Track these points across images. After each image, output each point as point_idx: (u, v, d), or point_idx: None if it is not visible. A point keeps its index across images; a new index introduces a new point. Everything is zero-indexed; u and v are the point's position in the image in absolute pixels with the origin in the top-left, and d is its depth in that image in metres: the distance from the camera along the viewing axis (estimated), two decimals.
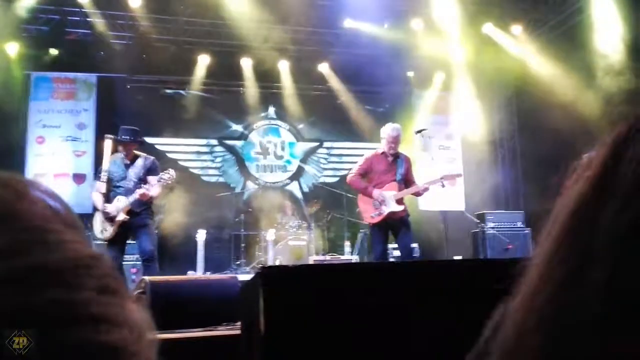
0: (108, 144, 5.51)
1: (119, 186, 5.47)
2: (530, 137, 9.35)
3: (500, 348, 0.42)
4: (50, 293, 0.33)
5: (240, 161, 9.83)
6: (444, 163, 9.18)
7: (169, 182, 5.51)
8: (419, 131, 6.05)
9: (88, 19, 8.66)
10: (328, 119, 10.09)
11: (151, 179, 5.45)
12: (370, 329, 1.72)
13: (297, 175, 10.05)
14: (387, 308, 1.76)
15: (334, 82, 9.88)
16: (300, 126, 10.15)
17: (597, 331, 0.36)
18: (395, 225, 5.65)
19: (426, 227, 7.80)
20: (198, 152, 9.64)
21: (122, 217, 5.32)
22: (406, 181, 5.74)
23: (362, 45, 9.37)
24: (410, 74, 9.93)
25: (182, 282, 3.40)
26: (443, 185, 5.69)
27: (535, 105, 9.33)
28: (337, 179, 9.92)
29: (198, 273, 6.91)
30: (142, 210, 5.45)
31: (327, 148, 10.25)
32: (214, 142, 9.76)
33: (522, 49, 9.25)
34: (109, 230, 5.31)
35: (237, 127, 9.91)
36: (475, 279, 1.92)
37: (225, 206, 8.64)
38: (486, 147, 9.99)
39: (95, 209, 5.53)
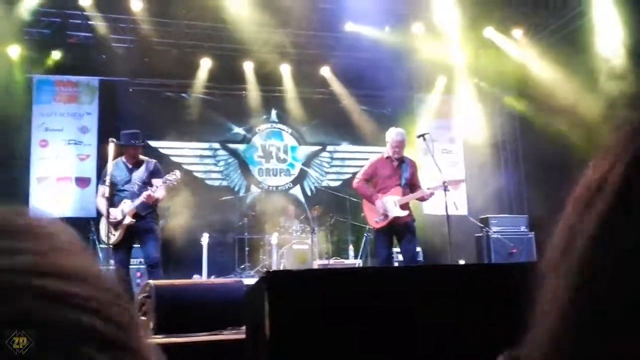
0: (111, 147, 5.52)
1: (124, 190, 5.48)
2: (533, 140, 9.35)
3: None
4: (75, 318, 0.34)
5: (243, 165, 9.84)
6: (446, 167, 9.19)
7: (175, 183, 5.52)
8: (421, 135, 6.05)
9: (90, 22, 8.67)
10: (330, 123, 10.10)
11: (155, 181, 5.46)
12: (374, 333, 1.73)
13: (300, 178, 10.05)
14: (392, 312, 1.77)
15: (336, 86, 9.89)
16: (303, 129, 10.16)
17: (597, 331, 0.37)
18: (400, 230, 5.63)
19: (430, 231, 7.80)
20: (201, 156, 9.65)
21: (128, 220, 5.33)
22: (411, 186, 5.72)
23: (363, 49, 9.38)
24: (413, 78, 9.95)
25: (187, 286, 3.41)
26: (447, 190, 5.68)
27: (537, 109, 9.34)
28: (340, 182, 9.93)
29: (203, 277, 6.91)
30: (148, 214, 5.46)
31: (330, 152, 10.26)
32: (217, 145, 9.77)
33: (523, 53, 9.26)
34: (116, 235, 5.32)
35: (239, 131, 9.93)
36: (479, 283, 1.93)
37: (229, 210, 8.65)
38: (489, 150, 10.00)
39: (99, 213, 5.54)
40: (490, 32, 9.42)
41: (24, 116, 8.61)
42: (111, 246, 5.37)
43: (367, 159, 9.47)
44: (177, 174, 5.49)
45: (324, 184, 9.90)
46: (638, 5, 7.46)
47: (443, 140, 9.94)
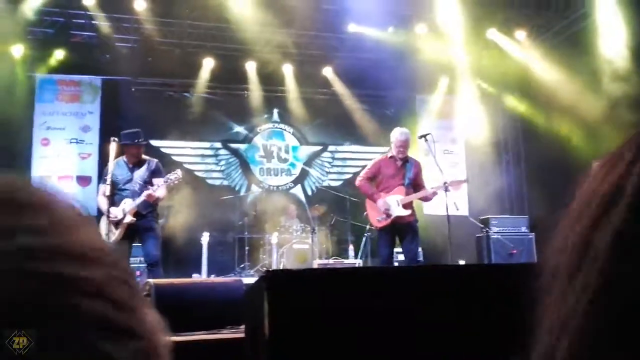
0: (113, 146, 5.53)
1: (125, 189, 5.49)
2: (535, 142, 9.34)
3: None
4: (76, 298, 0.33)
5: (245, 164, 9.85)
6: (447, 168, 9.18)
7: (176, 182, 5.53)
8: (423, 136, 6.05)
9: (93, 22, 8.69)
10: (332, 123, 10.10)
11: (156, 180, 5.47)
12: (374, 333, 1.72)
13: (301, 178, 10.06)
14: (392, 312, 1.77)
15: (338, 86, 9.89)
16: (305, 129, 10.16)
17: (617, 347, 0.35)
18: (402, 229, 5.62)
19: (430, 231, 7.79)
20: (202, 155, 9.66)
21: (128, 219, 5.34)
22: (415, 186, 5.71)
23: (366, 49, 9.38)
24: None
25: (187, 285, 3.40)
26: (447, 190, 5.67)
27: (539, 110, 9.33)
28: (341, 182, 9.94)
29: (203, 276, 6.91)
30: (148, 213, 5.47)
31: (331, 152, 10.27)
32: (218, 145, 9.78)
33: (526, 54, 9.25)
34: (115, 233, 5.33)
35: (241, 131, 9.94)
36: (479, 283, 1.93)
37: (230, 209, 8.65)
38: (490, 151, 9.99)
39: (100, 212, 5.54)
40: (493, 33, 9.41)
41: (26, 115, 8.63)
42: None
43: (368, 159, 9.47)
44: (178, 173, 5.50)
45: (325, 183, 9.90)
46: None
47: (445, 141, 9.94)
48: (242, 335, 2.36)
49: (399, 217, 5.53)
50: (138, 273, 6.82)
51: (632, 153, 0.40)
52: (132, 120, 7.75)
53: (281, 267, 7.05)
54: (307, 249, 7.60)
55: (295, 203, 9.30)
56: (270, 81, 9.65)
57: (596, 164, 0.42)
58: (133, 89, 9.23)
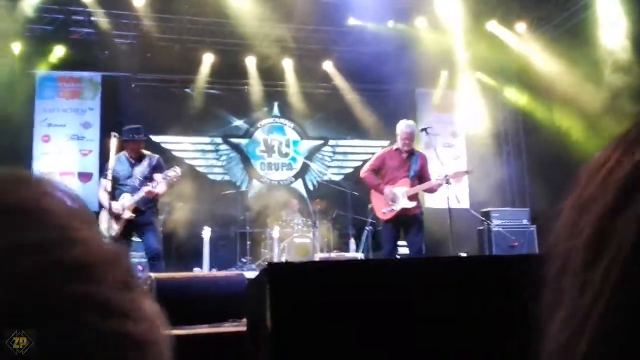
0: (113, 142, 5.53)
1: (125, 184, 5.49)
2: (535, 134, 9.33)
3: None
4: (76, 287, 0.33)
5: (245, 159, 9.85)
6: (448, 161, 9.17)
7: (175, 180, 5.53)
8: (424, 129, 6.05)
9: (92, 18, 8.68)
10: (333, 117, 10.09)
11: (157, 176, 5.47)
12: (376, 325, 1.73)
13: (302, 173, 10.06)
14: (394, 305, 1.77)
15: (338, 80, 9.87)
16: (305, 124, 10.15)
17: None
18: (407, 222, 5.60)
19: (431, 224, 7.78)
20: (203, 151, 9.67)
21: (128, 215, 5.35)
22: (420, 179, 5.68)
23: (366, 43, 9.35)
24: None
25: (189, 279, 3.41)
26: (449, 183, 5.67)
27: (539, 103, 9.31)
28: (342, 176, 9.94)
29: (204, 270, 6.93)
30: (148, 208, 5.48)
31: (332, 146, 10.26)
32: (219, 140, 9.78)
33: (527, 47, 9.22)
34: (115, 229, 5.34)
35: (241, 125, 9.93)
36: (481, 275, 1.93)
37: (231, 204, 8.66)
38: (491, 144, 9.97)
39: (101, 207, 5.55)
40: (493, 25, 9.38)
41: (27, 112, 8.62)
42: (111, 240, 5.38)
43: (369, 153, 9.51)
44: (177, 170, 5.50)
45: (326, 178, 9.90)
46: None
47: (445, 134, 9.92)
48: (243, 328, 2.36)
49: (404, 210, 5.51)
50: (140, 267, 6.84)
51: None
52: (132, 116, 7.75)
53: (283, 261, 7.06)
54: (308, 243, 7.61)
55: (297, 197, 9.30)
56: (270, 76, 9.63)
57: (604, 147, 0.40)
58: (133, 85, 9.22)
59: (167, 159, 6.62)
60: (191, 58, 9.23)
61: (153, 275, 3.04)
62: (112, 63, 9.00)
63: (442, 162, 5.95)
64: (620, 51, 7.56)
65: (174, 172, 5.46)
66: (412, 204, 5.55)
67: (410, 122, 5.82)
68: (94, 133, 8.94)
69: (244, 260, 7.98)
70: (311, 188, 9.96)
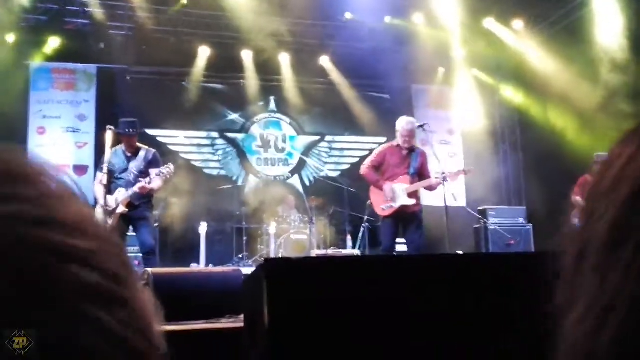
0: (109, 135, 5.51)
1: (120, 178, 5.48)
2: (532, 132, 9.35)
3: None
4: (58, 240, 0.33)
5: (242, 154, 9.82)
6: (445, 158, 9.19)
7: (168, 177, 5.52)
8: (420, 125, 6.04)
9: (87, 9, 8.62)
10: (329, 113, 10.07)
11: (151, 171, 5.46)
12: (373, 321, 1.73)
13: (299, 168, 10.04)
14: (390, 301, 1.77)
15: (335, 76, 9.85)
16: (302, 119, 10.13)
17: None
18: (406, 219, 5.60)
19: (428, 222, 7.80)
20: (199, 145, 9.63)
21: (121, 209, 5.34)
22: (420, 176, 5.68)
23: (363, 38, 9.34)
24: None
25: (185, 275, 3.41)
26: (445, 181, 5.67)
27: (536, 100, 9.33)
28: (338, 172, 9.92)
29: (201, 266, 6.92)
30: (142, 203, 5.47)
31: (329, 142, 10.25)
32: (215, 134, 9.75)
33: (524, 44, 9.23)
34: (109, 223, 5.33)
35: (238, 120, 9.90)
36: (477, 272, 1.93)
37: (227, 199, 8.64)
38: (487, 142, 9.99)
39: (96, 200, 5.54)
40: (490, 22, 9.38)
41: (21, 104, 8.57)
42: None
43: (365, 150, 9.51)
44: (170, 167, 5.49)
45: (323, 174, 9.89)
46: None
47: (442, 132, 9.92)
48: (240, 324, 2.36)
49: (404, 207, 5.51)
50: (136, 262, 6.84)
51: None
52: (128, 109, 7.71)
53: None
54: (305, 239, 7.61)
55: (293, 193, 9.29)
56: (267, 70, 9.60)
57: (619, 141, 0.40)
58: (128, 78, 9.17)
59: (162, 153, 6.60)
60: (187, 51, 9.19)
61: (150, 270, 3.04)
62: (107, 55, 8.95)
63: (439, 159, 5.95)
64: (617, 49, 7.58)
65: (167, 169, 5.45)
66: (412, 202, 5.54)
67: (411, 118, 5.82)
68: (90, 125, 8.90)
69: (240, 256, 7.97)
70: (308, 184, 9.95)
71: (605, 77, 7.56)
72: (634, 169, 0.37)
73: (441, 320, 1.77)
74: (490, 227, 8.03)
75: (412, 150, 5.70)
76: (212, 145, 9.72)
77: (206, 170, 9.56)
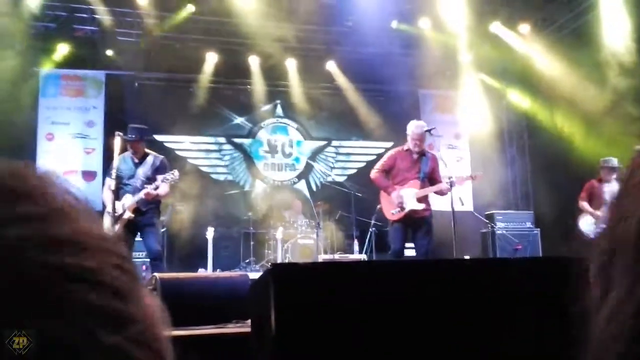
0: (118, 141, 5.54)
1: (128, 184, 5.51)
2: (539, 136, 9.31)
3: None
4: (66, 260, 0.33)
5: (249, 159, 9.85)
6: (452, 163, 9.16)
7: (173, 182, 5.55)
8: (428, 130, 6.03)
9: (95, 16, 8.68)
10: (336, 118, 10.09)
11: (158, 177, 5.48)
12: (380, 326, 1.72)
13: (306, 173, 10.05)
14: (397, 306, 1.77)
15: (341, 80, 9.87)
16: (308, 124, 10.15)
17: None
18: (416, 223, 5.58)
19: (435, 226, 7.77)
20: (207, 150, 9.67)
21: (127, 215, 5.36)
22: (431, 180, 5.65)
23: (369, 43, 9.34)
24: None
25: (193, 279, 3.41)
26: (452, 185, 5.65)
27: (544, 104, 9.29)
28: (345, 177, 9.92)
29: (208, 270, 6.93)
30: (149, 209, 5.48)
31: (335, 147, 10.25)
32: (222, 140, 9.78)
33: (530, 48, 9.20)
34: (116, 230, 5.35)
35: (245, 125, 9.93)
36: (484, 278, 1.93)
37: (234, 204, 8.67)
38: (494, 146, 9.95)
39: (104, 206, 5.57)
40: (497, 26, 9.36)
41: (31, 110, 8.63)
42: None
43: (372, 154, 9.51)
44: (175, 173, 5.50)
45: (329, 179, 9.89)
46: None
47: (449, 136, 9.91)
48: (247, 329, 2.36)
49: (413, 211, 5.49)
50: (144, 267, 6.86)
51: None
52: (136, 115, 7.75)
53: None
54: (312, 244, 7.61)
55: (300, 198, 9.29)
56: (274, 75, 9.64)
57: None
58: (137, 84, 9.23)
59: (170, 159, 6.63)
60: (195, 57, 9.24)
61: (157, 275, 3.04)
62: (115, 62, 9.01)
63: (446, 163, 5.93)
64: (624, 53, 7.54)
65: (172, 175, 5.47)
66: (421, 206, 5.52)
67: (421, 122, 5.79)
68: (98, 132, 8.96)
69: (247, 261, 7.98)
70: (314, 189, 9.95)
71: (612, 81, 7.52)
72: None
73: (449, 326, 1.76)
74: (498, 232, 7.99)
75: (422, 154, 5.67)
76: (220, 150, 9.75)
77: (213, 176, 9.59)
